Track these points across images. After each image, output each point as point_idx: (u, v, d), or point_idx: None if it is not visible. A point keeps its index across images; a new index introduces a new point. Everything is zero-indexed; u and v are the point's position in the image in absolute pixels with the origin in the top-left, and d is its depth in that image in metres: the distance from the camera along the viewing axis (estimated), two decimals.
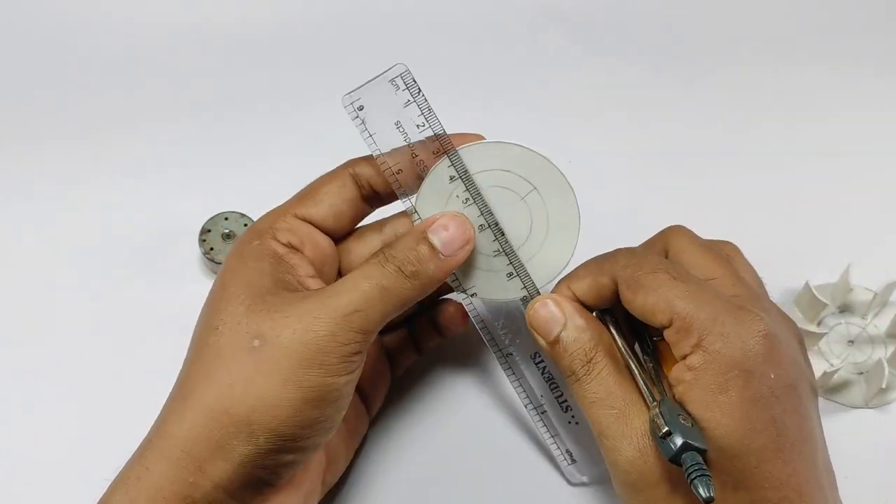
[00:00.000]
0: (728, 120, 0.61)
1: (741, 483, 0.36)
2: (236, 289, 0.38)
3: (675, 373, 0.38)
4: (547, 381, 0.45)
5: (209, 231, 0.52)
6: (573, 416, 0.45)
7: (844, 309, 0.53)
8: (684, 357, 0.37)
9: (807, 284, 0.51)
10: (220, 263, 0.51)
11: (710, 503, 0.33)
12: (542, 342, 0.41)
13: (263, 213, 0.42)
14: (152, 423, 0.38)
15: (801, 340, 0.40)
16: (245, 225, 0.53)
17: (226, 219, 0.53)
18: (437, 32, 0.64)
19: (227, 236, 0.52)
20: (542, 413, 0.45)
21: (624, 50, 0.64)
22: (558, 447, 0.45)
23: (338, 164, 0.44)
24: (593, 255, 0.43)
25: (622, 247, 0.42)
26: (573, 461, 0.46)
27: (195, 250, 0.53)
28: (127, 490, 0.36)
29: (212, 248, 0.52)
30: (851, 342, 0.52)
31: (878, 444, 0.49)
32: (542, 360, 0.45)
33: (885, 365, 0.48)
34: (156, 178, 0.56)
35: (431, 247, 0.39)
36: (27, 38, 0.61)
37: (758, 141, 0.60)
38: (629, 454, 0.37)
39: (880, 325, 0.52)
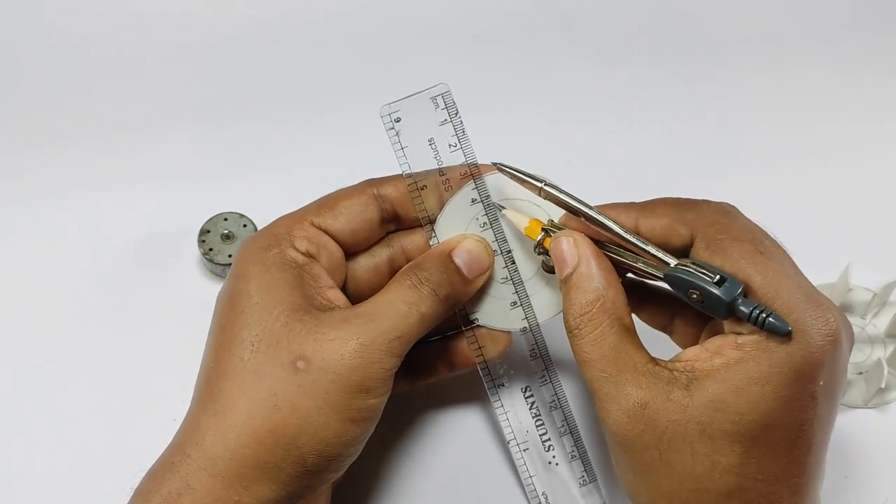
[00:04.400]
0: (727, 120, 0.61)
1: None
2: (267, 302, 0.38)
3: (716, 343, 0.36)
4: (534, 418, 0.45)
5: (208, 232, 0.52)
6: (554, 457, 0.45)
7: (844, 309, 0.53)
8: (737, 333, 0.36)
9: None
10: (219, 264, 0.51)
11: (790, 335, 0.34)
12: (558, 275, 0.39)
13: (262, 213, 0.42)
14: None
15: (853, 342, 0.38)
16: (244, 226, 0.53)
17: (225, 219, 0.53)
18: (436, 34, 0.64)
19: (227, 237, 0.52)
20: (525, 450, 0.45)
21: (623, 50, 0.64)
22: (534, 488, 0.45)
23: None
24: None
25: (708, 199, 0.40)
26: None
27: (194, 251, 0.53)
28: None
29: (211, 249, 0.52)
30: None
31: (877, 444, 0.49)
32: (532, 395, 0.45)
33: (885, 365, 0.48)
34: (155, 179, 0.56)
35: (458, 269, 0.40)
36: (28, 44, 0.61)
37: (757, 141, 0.60)
38: (618, 418, 0.36)
39: (879, 325, 0.52)
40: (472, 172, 0.42)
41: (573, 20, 0.65)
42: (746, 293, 0.36)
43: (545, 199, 0.40)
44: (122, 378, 0.49)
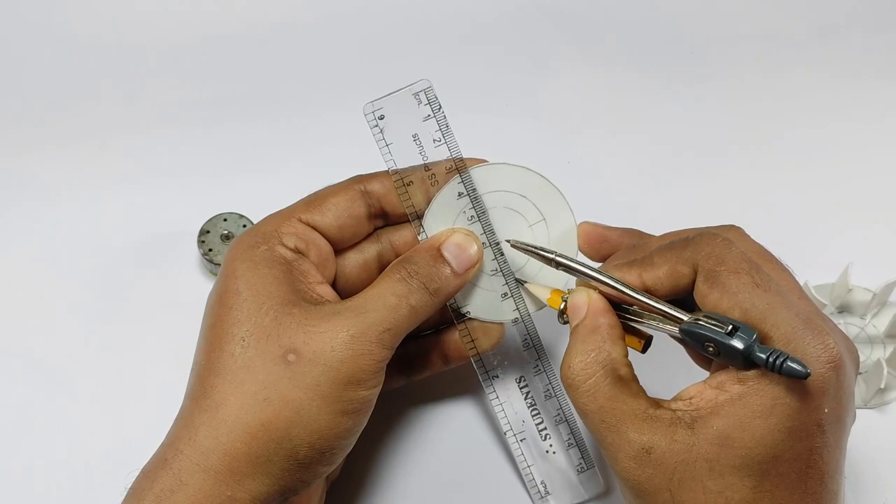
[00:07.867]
0: (727, 121, 0.61)
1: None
2: (256, 298, 0.38)
3: (719, 378, 0.36)
4: (529, 408, 0.45)
5: (208, 232, 0.53)
6: (551, 445, 0.45)
7: (843, 309, 0.53)
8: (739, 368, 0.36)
9: (806, 284, 0.51)
10: (218, 264, 0.51)
11: (809, 377, 0.33)
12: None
13: (261, 214, 0.42)
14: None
15: (858, 365, 0.38)
16: (244, 226, 0.53)
17: (224, 220, 0.53)
18: (437, 35, 0.64)
19: (226, 237, 0.52)
20: (522, 440, 0.45)
21: (622, 51, 0.64)
22: (533, 478, 0.45)
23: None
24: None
25: (703, 228, 0.40)
26: (547, 493, 0.45)
27: (194, 251, 0.53)
28: (159, 502, 0.36)
29: (210, 250, 0.52)
30: None
31: (877, 444, 0.49)
32: (527, 385, 0.45)
33: (884, 365, 0.48)
34: (154, 179, 0.56)
35: (448, 263, 0.40)
36: (29, 44, 0.61)
37: (757, 142, 0.60)
38: (626, 465, 0.36)
39: (879, 325, 0.52)
40: (458, 166, 0.42)
41: (574, 21, 0.65)
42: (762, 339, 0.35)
43: (557, 269, 0.41)
44: (121, 378, 0.49)
